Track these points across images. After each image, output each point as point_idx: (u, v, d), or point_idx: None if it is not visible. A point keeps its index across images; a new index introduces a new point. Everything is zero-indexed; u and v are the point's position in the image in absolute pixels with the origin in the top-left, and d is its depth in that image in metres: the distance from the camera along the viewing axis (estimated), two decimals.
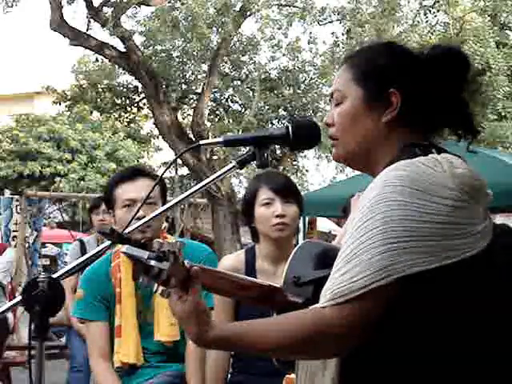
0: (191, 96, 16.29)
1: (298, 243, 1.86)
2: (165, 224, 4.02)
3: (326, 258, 1.59)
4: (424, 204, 1.37)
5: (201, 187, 1.71)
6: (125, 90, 17.46)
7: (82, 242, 5.56)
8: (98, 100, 17.89)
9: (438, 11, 13.29)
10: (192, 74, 16.01)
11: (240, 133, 14.09)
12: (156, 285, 1.47)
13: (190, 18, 12.69)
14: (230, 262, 2.83)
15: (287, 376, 2.20)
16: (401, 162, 1.44)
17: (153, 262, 1.43)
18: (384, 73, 1.55)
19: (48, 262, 14.19)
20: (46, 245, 14.09)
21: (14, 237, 9.82)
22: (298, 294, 1.60)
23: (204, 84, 13.09)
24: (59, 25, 11.55)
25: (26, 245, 9.90)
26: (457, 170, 1.43)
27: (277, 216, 2.70)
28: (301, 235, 7.62)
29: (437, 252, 1.36)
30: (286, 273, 1.67)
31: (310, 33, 14.48)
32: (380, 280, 1.34)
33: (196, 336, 1.47)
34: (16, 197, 10.27)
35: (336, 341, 1.38)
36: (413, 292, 1.39)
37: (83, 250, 5.38)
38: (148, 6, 13.11)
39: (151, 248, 1.45)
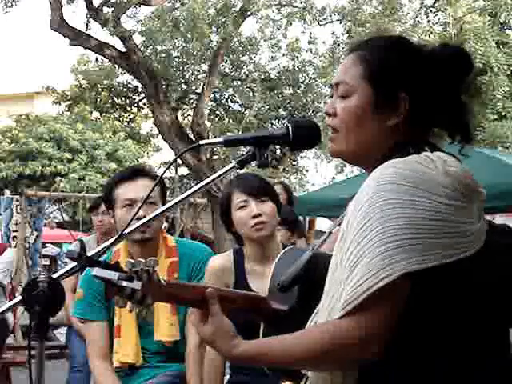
0: (191, 96, 16.29)
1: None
2: (165, 224, 4.02)
3: (310, 263, 1.59)
4: (420, 201, 1.36)
5: (201, 187, 1.70)
6: (125, 89, 17.47)
7: (82, 242, 5.55)
8: (98, 100, 17.90)
9: (439, 11, 13.29)
10: (192, 74, 16.01)
11: (240, 133, 14.10)
12: (130, 303, 1.45)
13: (190, 18, 12.68)
14: (220, 261, 2.84)
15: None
16: (393, 160, 1.43)
17: (124, 283, 1.42)
18: (395, 75, 1.53)
19: (48, 262, 14.16)
20: (46, 245, 14.07)
21: (14, 237, 9.81)
22: (284, 301, 1.59)
23: (204, 84, 13.09)
24: (59, 25, 11.54)
25: (26, 245, 9.89)
26: (450, 168, 1.42)
27: (253, 217, 2.71)
28: None
29: (436, 250, 1.35)
30: (270, 281, 1.66)
31: (310, 33, 14.54)
32: (382, 279, 1.33)
33: (225, 353, 1.49)
34: (16, 197, 10.24)
35: (356, 349, 1.37)
36: (418, 292, 1.38)
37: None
38: (148, 5, 13.12)
39: (122, 269, 1.44)
